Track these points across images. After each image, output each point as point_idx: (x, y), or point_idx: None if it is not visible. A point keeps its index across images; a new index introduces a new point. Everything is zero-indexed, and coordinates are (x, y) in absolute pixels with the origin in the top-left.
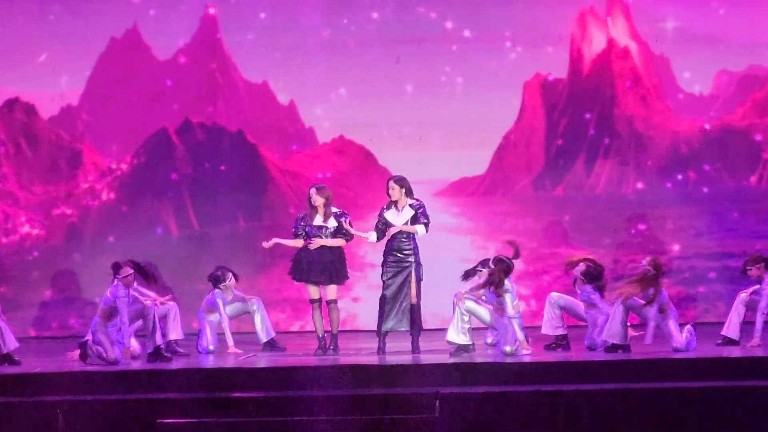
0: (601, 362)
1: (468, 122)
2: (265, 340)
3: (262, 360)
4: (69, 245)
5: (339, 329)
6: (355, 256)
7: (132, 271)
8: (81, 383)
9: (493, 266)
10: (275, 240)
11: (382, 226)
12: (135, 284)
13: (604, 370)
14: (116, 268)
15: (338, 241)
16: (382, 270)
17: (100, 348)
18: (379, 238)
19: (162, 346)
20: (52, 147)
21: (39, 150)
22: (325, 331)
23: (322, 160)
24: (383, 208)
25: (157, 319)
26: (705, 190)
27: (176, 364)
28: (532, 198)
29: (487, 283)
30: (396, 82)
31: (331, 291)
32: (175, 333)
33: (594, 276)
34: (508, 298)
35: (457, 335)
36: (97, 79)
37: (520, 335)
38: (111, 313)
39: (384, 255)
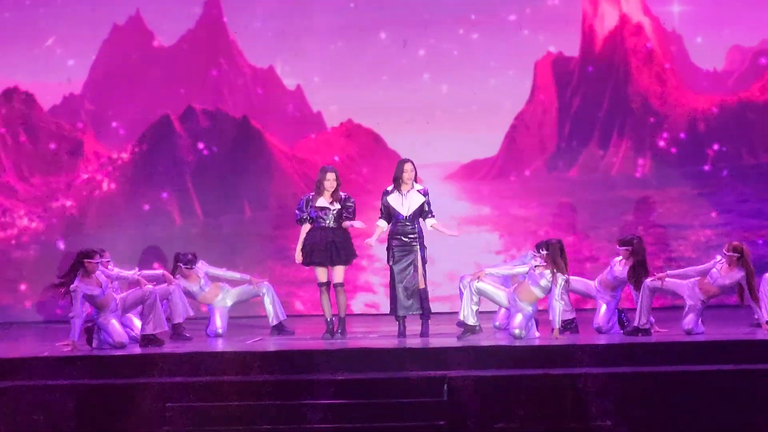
0: (610, 345)
1: (478, 104)
2: (275, 323)
3: (270, 344)
4: (68, 239)
5: (346, 313)
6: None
7: (94, 260)
8: (90, 367)
9: (547, 250)
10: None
11: (385, 210)
12: (98, 272)
13: (613, 354)
14: (82, 256)
15: (359, 223)
16: (388, 255)
17: (104, 333)
18: (388, 223)
19: (167, 330)
20: (52, 137)
21: (38, 140)
22: (333, 315)
23: (330, 144)
24: (386, 192)
25: (158, 302)
26: (724, 166)
27: (184, 348)
28: (545, 179)
29: (553, 266)
30: (403, 65)
31: (339, 273)
32: (177, 316)
33: (639, 258)
34: (560, 279)
35: (467, 316)
36: (100, 67)
37: (559, 321)
38: (100, 304)
39: (388, 240)
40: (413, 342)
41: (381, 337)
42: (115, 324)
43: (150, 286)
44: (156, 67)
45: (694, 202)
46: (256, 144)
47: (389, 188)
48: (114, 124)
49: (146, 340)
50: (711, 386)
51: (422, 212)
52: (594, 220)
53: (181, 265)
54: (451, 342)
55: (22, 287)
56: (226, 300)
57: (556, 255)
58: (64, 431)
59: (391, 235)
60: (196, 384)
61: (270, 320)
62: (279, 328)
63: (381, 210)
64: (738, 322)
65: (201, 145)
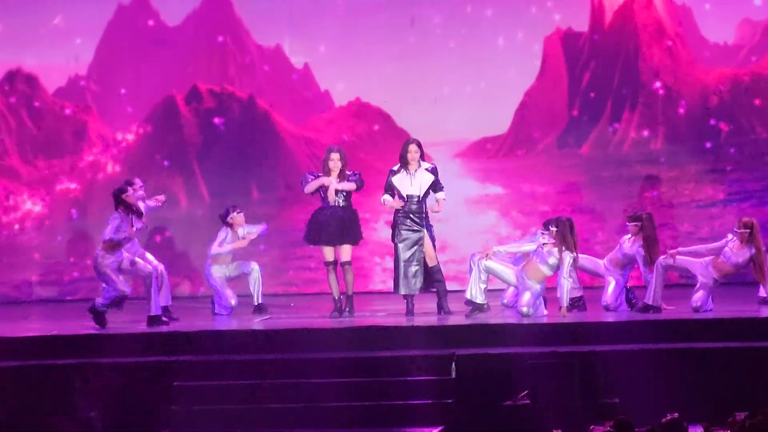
0: (618, 323)
1: (487, 81)
2: (256, 303)
3: (279, 323)
4: (71, 223)
5: (354, 291)
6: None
7: (136, 189)
8: (97, 346)
9: (556, 227)
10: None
11: (388, 189)
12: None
13: (621, 331)
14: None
15: (349, 185)
16: (393, 233)
17: (107, 287)
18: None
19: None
20: (56, 119)
21: (42, 123)
22: (341, 293)
23: (338, 124)
24: (392, 171)
25: (155, 284)
26: (737, 140)
27: (194, 326)
28: (556, 156)
29: (562, 244)
30: (410, 43)
31: (346, 252)
32: (164, 299)
33: (649, 234)
34: (568, 257)
35: (475, 294)
36: (105, 48)
37: (567, 299)
38: (114, 245)
39: (395, 218)
40: (421, 320)
41: (389, 315)
42: (114, 274)
43: (150, 268)
44: (161, 47)
45: (707, 178)
46: (263, 124)
47: (395, 168)
48: (119, 105)
49: (153, 320)
50: (718, 363)
51: (434, 189)
52: (605, 196)
53: (232, 211)
54: (459, 320)
55: (26, 270)
56: (232, 269)
57: (565, 232)
58: (73, 410)
59: (399, 214)
60: (204, 362)
61: (254, 299)
62: (261, 309)
63: (385, 188)
64: (746, 300)
65: (207, 126)
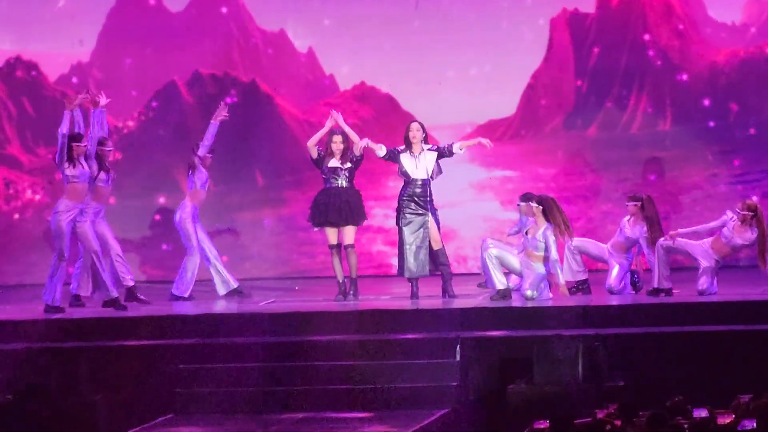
0: (623, 306)
1: (493, 63)
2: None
3: (284, 305)
4: None
5: (361, 274)
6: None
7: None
8: (102, 329)
9: (539, 204)
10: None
11: (390, 157)
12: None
13: (625, 314)
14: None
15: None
16: (398, 216)
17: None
18: (385, 155)
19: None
20: (57, 106)
21: (44, 110)
22: (345, 276)
23: (343, 108)
24: (397, 150)
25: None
26: (748, 121)
27: (196, 310)
28: (563, 138)
29: (558, 223)
30: (416, 26)
31: (349, 234)
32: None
33: (650, 215)
34: (550, 235)
35: (495, 284)
36: (107, 35)
37: (562, 279)
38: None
39: (399, 200)
40: (425, 303)
41: (394, 298)
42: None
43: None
44: (164, 33)
45: (716, 158)
46: (267, 109)
47: (400, 148)
48: (121, 92)
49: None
50: (724, 346)
51: (447, 152)
52: (613, 178)
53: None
54: (464, 303)
55: (27, 259)
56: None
57: (552, 210)
58: (77, 392)
59: (403, 196)
60: (209, 345)
61: (231, 284)
62: (237, 292)
63: (388, 150)
64: (752, 283)
65: (209, 112)
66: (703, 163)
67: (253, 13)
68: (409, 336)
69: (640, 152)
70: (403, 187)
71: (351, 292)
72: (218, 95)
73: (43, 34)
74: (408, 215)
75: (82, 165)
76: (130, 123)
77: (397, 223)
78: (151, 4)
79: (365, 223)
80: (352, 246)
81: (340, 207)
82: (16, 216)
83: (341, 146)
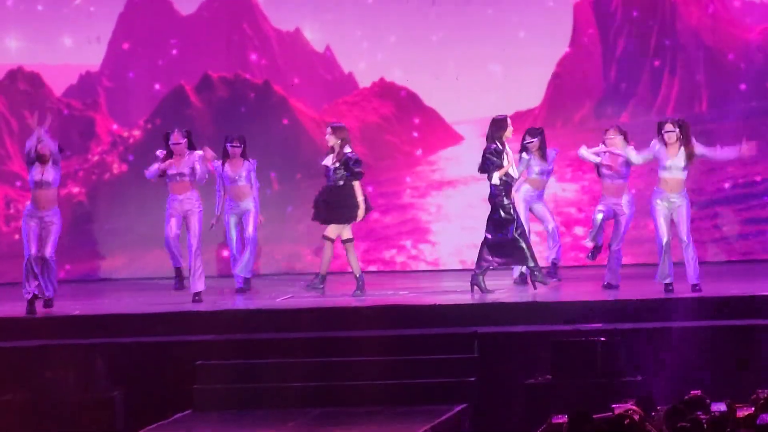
0: (641, 300)
1: (516, 53)
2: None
3: (302, 302)
4: (76, 228)
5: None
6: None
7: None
8: (118, 325)
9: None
10: None
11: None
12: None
13: (643, 309)
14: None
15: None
16: (510, 209)
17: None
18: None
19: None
20: (62, 119)
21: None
22: (362, 272)
23: (362, 106)
24: (496, 150)
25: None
26: None
27: (215, 306)
28: (595, 127)
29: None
30: (433, 19)
31: (331, 231)
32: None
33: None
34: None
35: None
36: (117, 41)
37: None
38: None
39: (505, 196)
40: (443, 298)
41: (411, 293)
42: None
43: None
44: (175, 37)
45: (755, 139)
46: (281, 110)
47: (498, 146)
48: (130, 100)
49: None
50: (742, 340)
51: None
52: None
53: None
54: (481, 298)
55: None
56: None
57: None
58: (95, 389)
59: (508, 192)
60: (227, 341)
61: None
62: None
63: (494, 163)
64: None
65: (220, 116)
66: (741, 143)
67: (267, 13)
68: (428, 331)
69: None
70: (506, 181)
71: (357, 289)
72: (229, 99)
73: (49, 44)
74: (510, 209)
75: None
76: (136, 132)
77: (510, 217)
78: (160, 8)
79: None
80: (346, 241)
81: (325, 204)
82: (17, 237)
83: (329, 140)
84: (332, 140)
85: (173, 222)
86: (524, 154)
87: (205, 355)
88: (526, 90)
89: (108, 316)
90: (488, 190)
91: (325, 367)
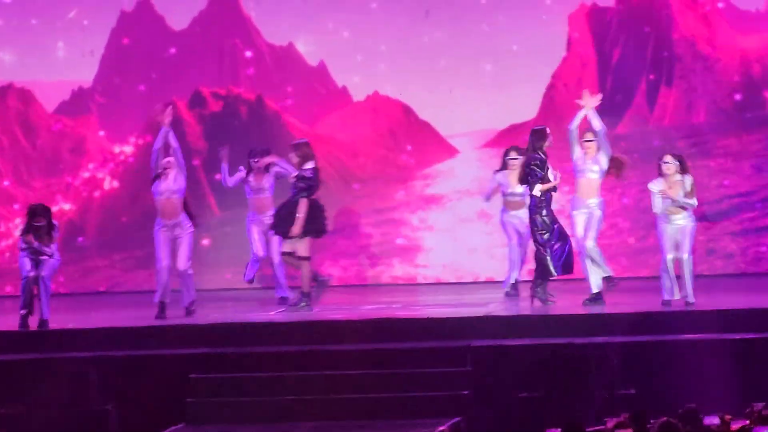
0: (635, 314)
1: (511, 65)
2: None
3: (295, 314)
4: (67, 246)
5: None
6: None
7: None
8: (113, 339)
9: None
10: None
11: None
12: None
13: (635, 322)
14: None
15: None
16: (552, 221)
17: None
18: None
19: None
20: (53, 135)
21: (38, 140)
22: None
23: (357, 120)
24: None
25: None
26: None
27: (208, 319)
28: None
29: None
30: (427, 32)
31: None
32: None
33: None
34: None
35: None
36: (110, 56)
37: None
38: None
39: (548, 207)
40: (436, 312)
41: (405, 306)
42: None
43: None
44: (168, 52)
45: (753, 149)
46: (274, 126)
47: (542, 156)
48: (122, 116)
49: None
50: (736, 354)
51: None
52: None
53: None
54: (474, 311)
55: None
56: None
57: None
58: (88, 402)
59: (548, 203)
60: (220, 355)
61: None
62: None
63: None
64: (762, 291)
65: (213, 132)
66: (739, 154)
67: (260, 28)
68: (421, 345)
69: (673, 146)
70: (547, 193)
71: (302, 302)
72: (221, 113)
73: (43, 58)
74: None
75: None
76: (127, 149)
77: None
78: (152, 23)
79: None
80: (297, 257)
81: (275, 216)
82: (8, 255)
83: (292, 161)
84: (293, 157)
85: (258, 237)
86: (499, 175)
87: (199, 368)
88: (521, 102)
89: (101, 329)
90: (482, 204)
91: (318, 381)
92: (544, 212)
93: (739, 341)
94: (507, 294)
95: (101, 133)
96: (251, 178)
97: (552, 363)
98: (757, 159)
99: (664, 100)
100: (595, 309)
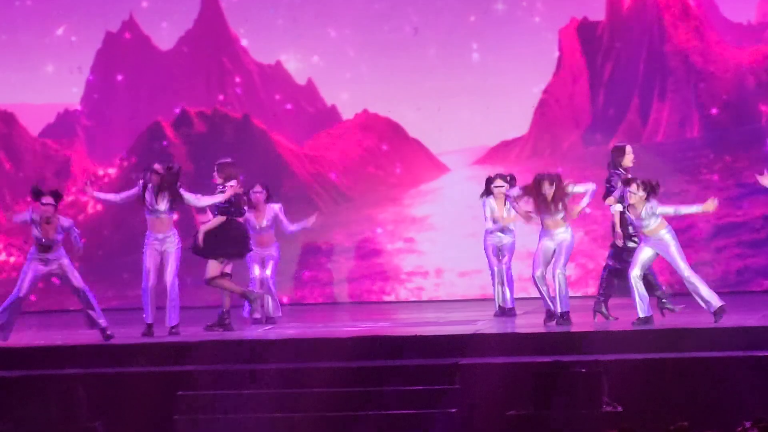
0: (622, 332)
1: (502, 81)
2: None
3: (282, 332)
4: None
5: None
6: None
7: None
8: (101, 356)
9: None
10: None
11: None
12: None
13: (624, 340)
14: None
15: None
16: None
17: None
18: None
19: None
20: (37, 158)
21: (22, 164)
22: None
23: (346, 139)
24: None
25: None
26: None
27: (198, 337)
28: (583, 155)
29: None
30: (416, 49)
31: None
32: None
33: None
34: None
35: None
36: (96, 77)
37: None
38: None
39: (627, 228)
40: (425, 330)
41: (393, 324)
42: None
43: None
44: (155, 72)
45: (749, 161)
46: (261, 145)
47: (623, 173)
48: (108, 138)
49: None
50: (725, 372)
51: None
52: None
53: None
54: (463, 329)
55: None
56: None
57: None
58: (76, 420)
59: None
60: (208, 372)
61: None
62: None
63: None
64: (753, 309)
65: (199, 153)
66: (736, 167)
67: (247, 46)
68: (408, 362)
69: (668, 161)
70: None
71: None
72: (207, 134)
73: (32, 73)
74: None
75: None
76: (111, 171)
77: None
78: (139, 44)
79: None
80: (209, 279)
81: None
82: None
83: (217, 181)
84: (216, 177)
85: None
86: (489, 200)
87: (186, 385)
88: (512, 118)
89: (89, 346)
90: (474, 223)
91: (306, 398)
92: (629, 230)
93: (728, 359)
94: (495, 314)
95: (86, 157)
96: (251, 216)
97: (539, 381)
98: (752, 172)
99: (657, 115)
100: (584, 327)
